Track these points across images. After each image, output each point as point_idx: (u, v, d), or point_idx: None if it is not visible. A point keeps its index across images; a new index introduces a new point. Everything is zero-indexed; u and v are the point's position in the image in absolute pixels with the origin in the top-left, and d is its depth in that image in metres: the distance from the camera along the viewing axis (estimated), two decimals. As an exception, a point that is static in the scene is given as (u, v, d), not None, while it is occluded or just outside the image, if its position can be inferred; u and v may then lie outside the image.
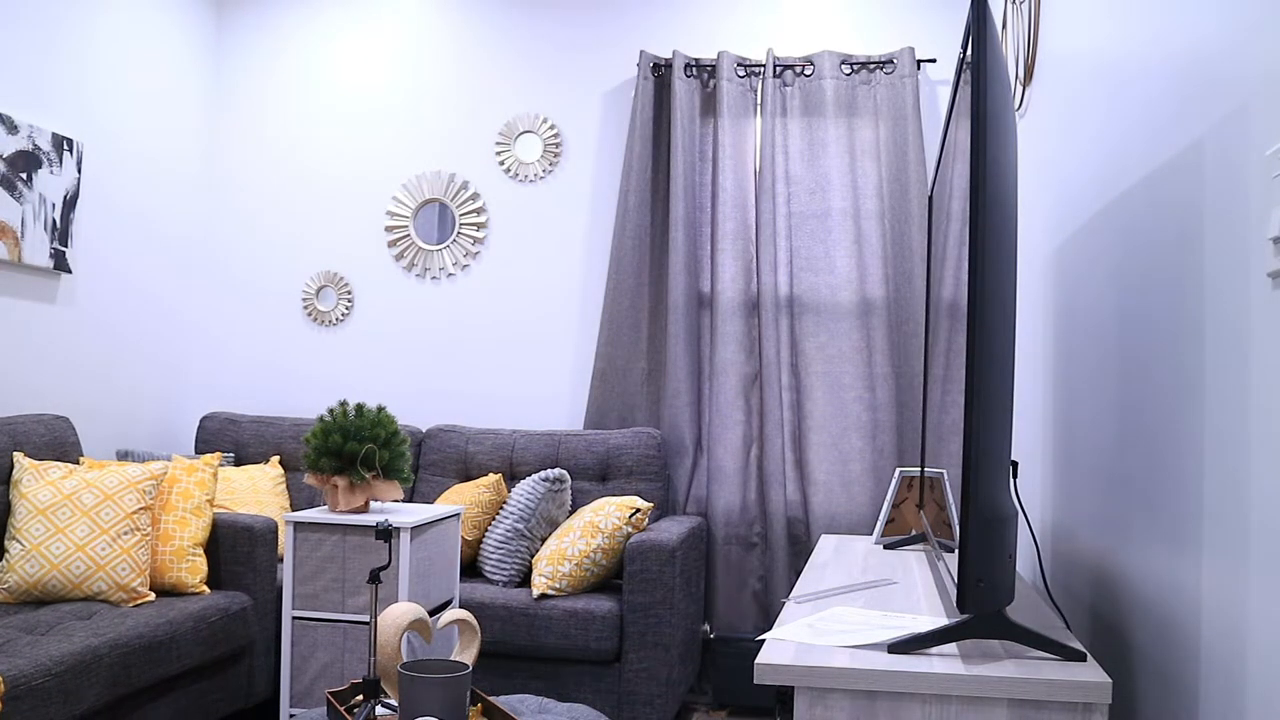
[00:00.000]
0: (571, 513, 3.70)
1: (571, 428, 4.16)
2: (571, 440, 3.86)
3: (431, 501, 3.88)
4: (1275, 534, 1.22)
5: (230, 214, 4.47)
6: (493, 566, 3.46)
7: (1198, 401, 1.51)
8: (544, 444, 3.87)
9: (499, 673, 3.30)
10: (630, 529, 3.32)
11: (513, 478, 3.86)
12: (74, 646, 2.45)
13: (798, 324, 3.97)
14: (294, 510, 3.90)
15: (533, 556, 3.49)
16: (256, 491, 3.73)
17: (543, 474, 3.55)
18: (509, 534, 3.47)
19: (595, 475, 3.83)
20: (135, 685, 2.63)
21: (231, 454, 4.04)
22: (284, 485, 3.91)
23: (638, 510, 3.35)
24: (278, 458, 3.99)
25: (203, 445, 4.09)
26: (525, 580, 3.49)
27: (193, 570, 3.06)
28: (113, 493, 2.94)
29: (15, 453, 3.01)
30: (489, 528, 3.56)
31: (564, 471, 3.58)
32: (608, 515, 3.34)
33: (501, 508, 3.60)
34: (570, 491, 3.75)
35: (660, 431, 3.91)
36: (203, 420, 4.12)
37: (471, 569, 3.63)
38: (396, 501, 3.08)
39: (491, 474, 3.79)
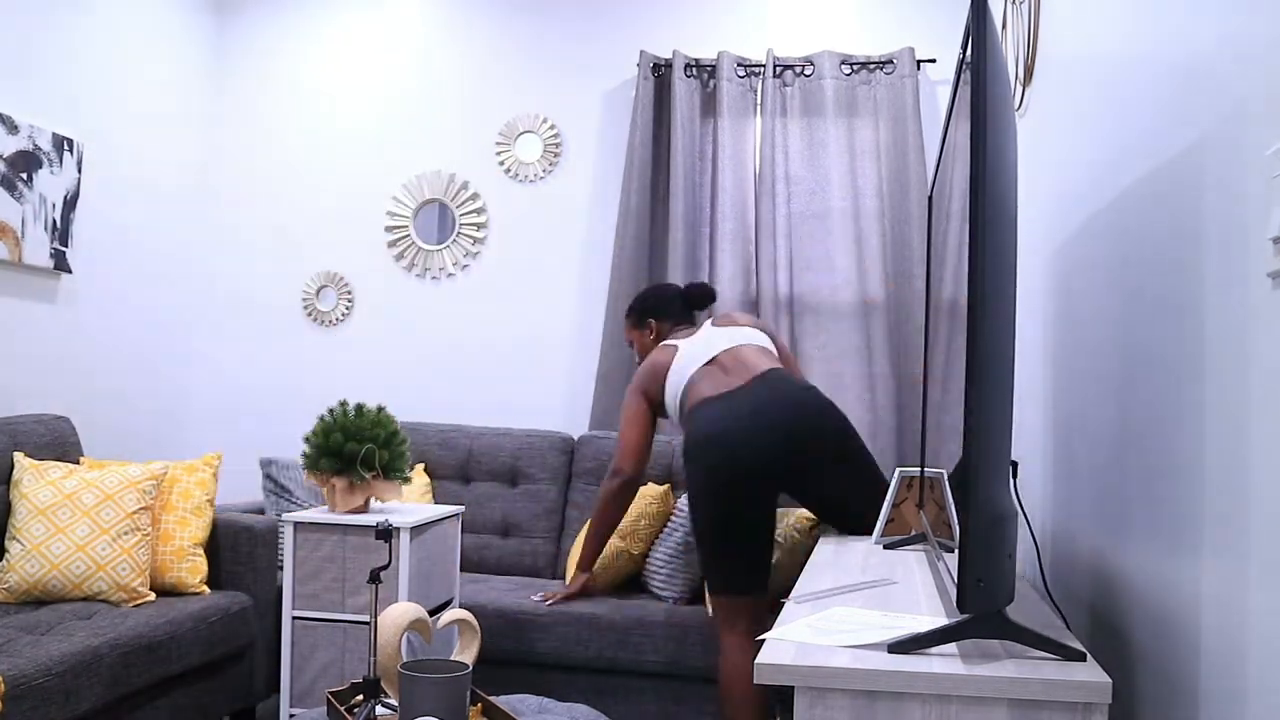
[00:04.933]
0: None
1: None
2: None
3: (590, 510, 3.77)
4: (1275, 534, 1.22)
5: (230, 214, 4.47)
6: (661, 582, 3.28)
7: (1198, 401, 1.51)
8: None
9: (670, 697, 3.12)
10: (809, 543, 3.14)
11: (676, 487, 3.67)
12: (74, 646, 2.45)
13: (798, 324, 3.97)
14: None
15: None
16: (408, 501, 3.62)
17: None
18: (679, 548, 3.27)
19: None
20: (135, 685, 2.63)
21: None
22: (431, 495, 3.81)
23: (817, 523, 3.17)
24: (423, 465, 3.91)
25: None
26: (694, 597, 3.30)
27: (193, 570, 3.06)
28: (113, 493, 2.94)
29: (15, 453, 3.01)
30: (656, 541, 3.36)
31: None
32: (787, 528, 3.16)
33: (669, 520, 3.39)
34: None
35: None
36: None
37: (633, 583, 3.44)
38: (396, 501, 3.07)
39: (654, 485, 3.55)
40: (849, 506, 2.84)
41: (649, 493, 3.41)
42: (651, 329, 3.21)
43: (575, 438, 4.01)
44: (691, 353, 2.99)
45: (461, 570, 3.80)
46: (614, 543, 3.31)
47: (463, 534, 3.84)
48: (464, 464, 3.92)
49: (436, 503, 3.85)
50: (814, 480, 2.82)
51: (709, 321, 3.12)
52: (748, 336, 3.02)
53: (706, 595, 2.92)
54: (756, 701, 2.73)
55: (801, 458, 2.77)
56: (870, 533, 2.82)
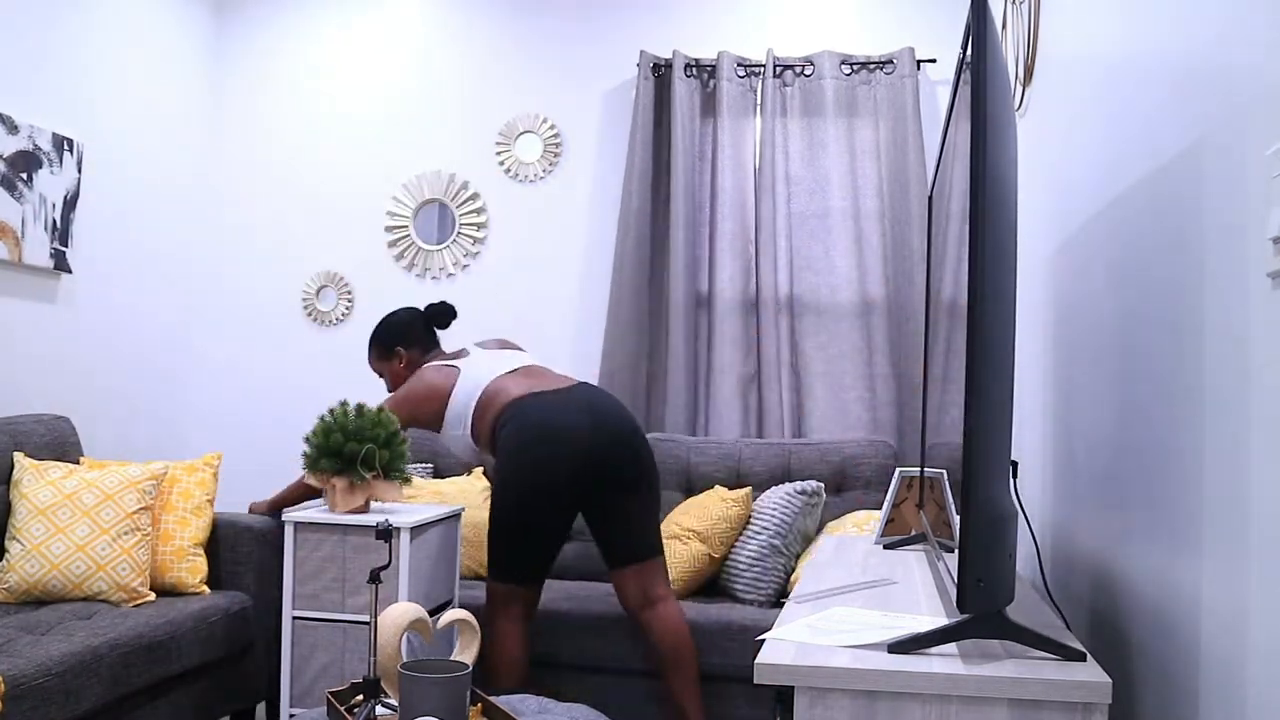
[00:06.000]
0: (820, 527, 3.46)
1: (793, 438, 3.94)
2: (802, 450, 3.65)
3: (665, 514, 3.69)
4: (1275, 534, 1.22)
5: (230, 214, 4.47)
6: (745, 585, 3.25)
7: (1198, 401, 1.51)
8: (773, 454, 3.65)
9: (759, 701, 3.05)
10: None
11: (755, 488, 3.62)
12: (74, 646, 2.45)
13: (798, 324, 3.97)
14: None
15: (788, 575, 3.28)
16: (469, 506, 3.58)
17: (797, 486, 3.32)
18: (764, 550, 3.24)
19: (830, 487, 3.60)
20: (135, 685, 2.63)
21: (430, 465, 3.87)
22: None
23: None
24: (481, 468, 3.84)
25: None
26: (778, 600, 3.27)
27: (193, 570, 3.06)
28: (113, 493, 2.94)
29: (15, 453, 3.01)
30: (737, 543, 3.32)
31: (819, 484, 3.35)
32: (875, 530, 3.11)
33: (748, 522, 3.36)
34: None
35: (895, 442, 3.77)
36: None
37: (712, 588, 3.41)
38: (396, 501, 3.07)
39: (721, 486, 3.52)
40: (633, 532, 2.90)
41: (728, 495, 3.37)
42: (401, 358, 3.16)
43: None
44: (478, 370, 3.01)
45: None
46: (695, 545, 3.28)
47: None
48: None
49: None
50: (618, 493, 2.87)
51: (474, 344, 3.16)
52: (531, 360, 3.10)
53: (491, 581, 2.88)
54: (524, 685, 2.88)
55: (623, 465, 2.85)
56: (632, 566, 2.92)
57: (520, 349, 3.17)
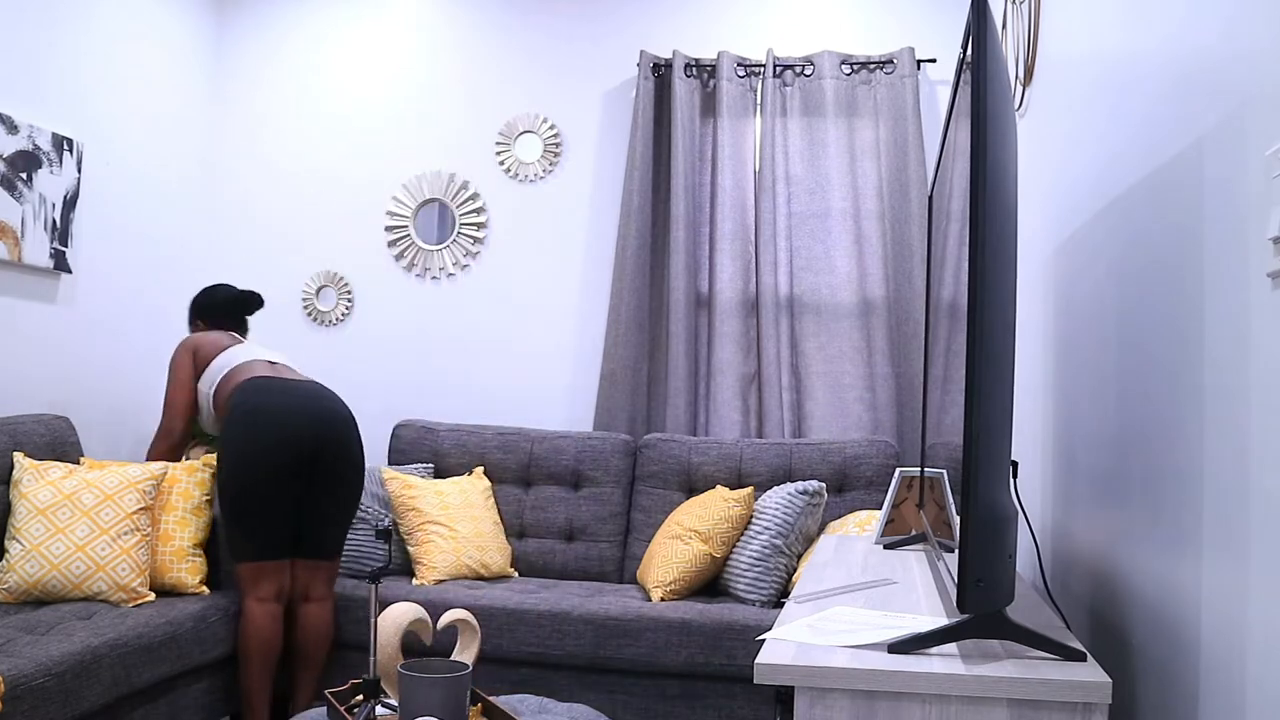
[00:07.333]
0: (821, 526, 3.45)
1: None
2: (804, 450, 3.66)
3: (663, 516, 3.70)
4: (1275, 534, 1.22)
5: (230, 213, 4.47)
6: (747, 585, 3.24)
7: (1197, 401, 1.51)
8: (774, 454, 3.66)
9: (760, 700, 3.06)
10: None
11: (757, 489, 3.63)
12: (74, 646, 2.45)
13: (798, 324, 3.97)
14: (506, 524, 3.80)
15: (790, 575, 3.26)
16: (470, 506, 3.60)
17: (800, 486, 3.31)
18: (766, 550, 3.23)
19: (832, 487, 3.62)
20: (135, 685, 2.63)
21: (430, 464, 3.88)
22: (493, 498, 3.77)
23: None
24: (482, 469, 3.84)
25: (398, 455, 3.91)
26: (780, 600, 3.26)
27: (193, 570, 3.06)
28: (113, 493, 2.94)
29: (15, 453, 3.01)
30: (738, 543, 3.32)
31: (822, 484, 3.33)
32: (875, 530, 3.14)
33: (750, 522, 3.36)
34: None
35: (896, 443, 3.78)
36: (396, 428, 3.95)
37: (712, 588, 3.42)
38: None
39: (722, 486, 3.52)
40: (321, 527, 3.13)
41: (730, 495, 3.35)
42: (200, 328, 3.58)
43: (638, 440, 3.91)
44: (247, 349, 3.33)
45: (523, 575, 3.75)
46: (696, 545, 3.29)
47: (526, 539, 3.78)
48: (525, 467, 3.83)
49: (499, 507, 3.81)
50: (320, 485, 3.10)
51: (258, 346, 3.48)
52: (290, 365, 3.40)
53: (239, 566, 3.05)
54: (274, 666, 3.03)
55: (325, 460, 3.08)
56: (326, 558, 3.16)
57: (293, 369, 3.41)
